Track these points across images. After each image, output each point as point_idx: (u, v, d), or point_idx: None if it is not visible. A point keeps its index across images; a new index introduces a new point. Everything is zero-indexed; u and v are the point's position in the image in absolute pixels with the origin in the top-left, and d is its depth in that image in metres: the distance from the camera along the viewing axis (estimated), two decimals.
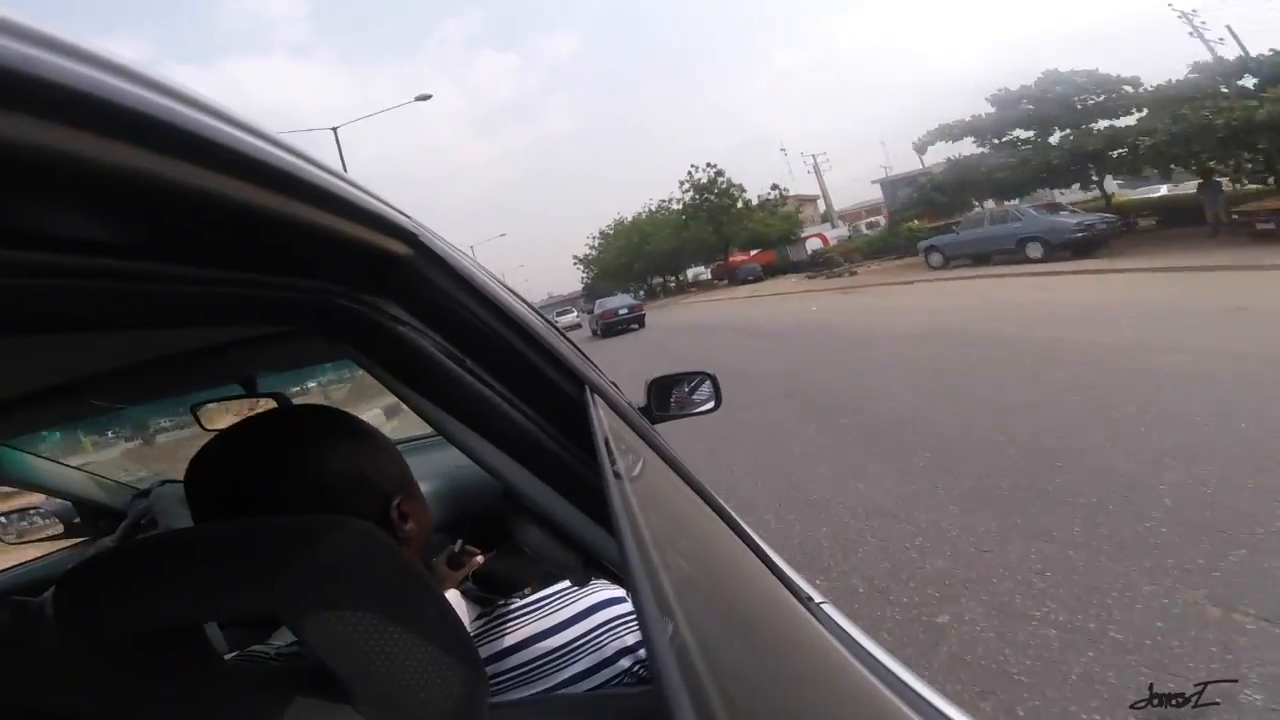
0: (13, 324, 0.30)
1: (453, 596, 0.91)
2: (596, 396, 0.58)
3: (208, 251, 0.32)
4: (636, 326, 21.57)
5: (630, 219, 47.64)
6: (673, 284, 48.51)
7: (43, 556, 1.91)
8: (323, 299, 0.42)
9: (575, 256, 56.16)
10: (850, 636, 0.77)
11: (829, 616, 0.80)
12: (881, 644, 0.76)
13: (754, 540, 0.79)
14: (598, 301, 26.35)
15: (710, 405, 1.79)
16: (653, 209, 44.56)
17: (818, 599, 0.85)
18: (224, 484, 0.56)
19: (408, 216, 0.45)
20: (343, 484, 0.59)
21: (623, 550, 0.26)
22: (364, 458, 0.62)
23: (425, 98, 18.64)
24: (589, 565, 0.68)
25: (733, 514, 0.77)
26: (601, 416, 0.51)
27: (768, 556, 0.80)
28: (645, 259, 44.02)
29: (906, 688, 0.68)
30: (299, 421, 0.62)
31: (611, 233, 49.63)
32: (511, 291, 0.66)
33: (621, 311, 22.32)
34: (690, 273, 47.73)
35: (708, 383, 1.79)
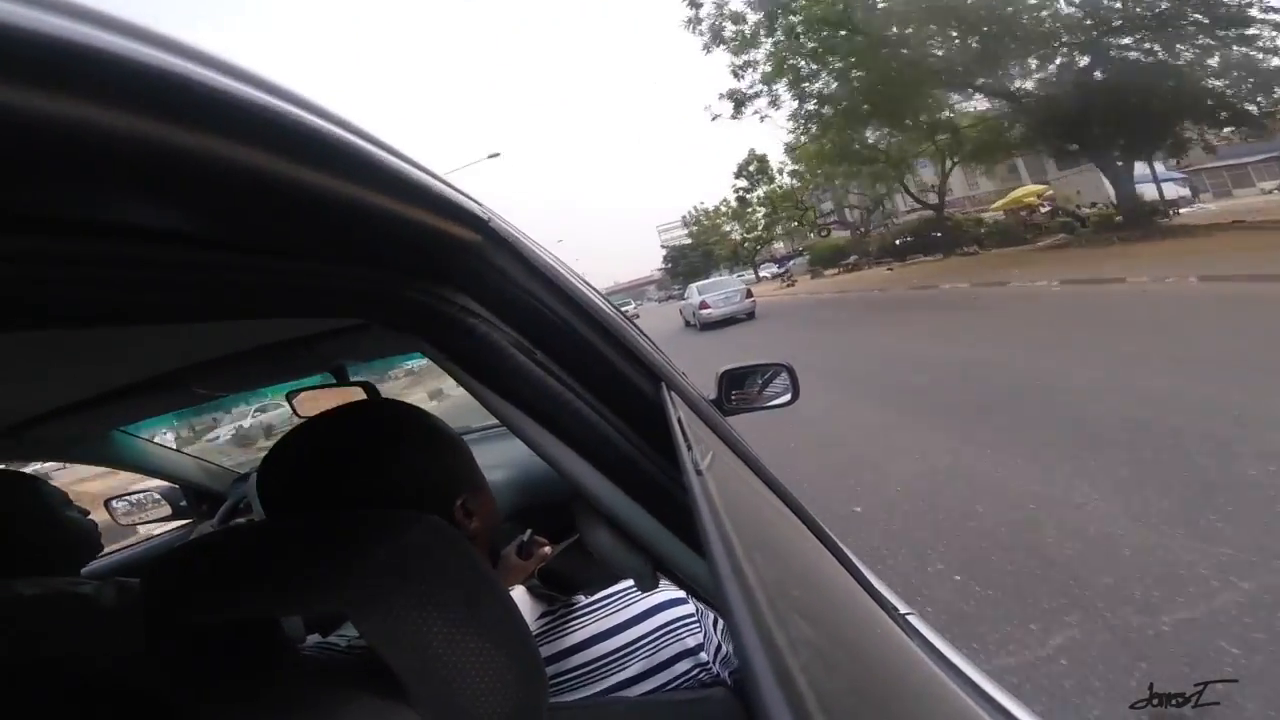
0: (115, 314, 0.31)
1: (518, 594, 0.91)
2: (673, 394, 0.55)
3: (279, 242, 0.32)
4: None
5: None
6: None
7: (152, 537, 2.07)
8: (391, 290, 0.42)
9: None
10: (939, 651, 0.73)
11: (916, 629, 0.76)
12: (971, 660, 0.72)
13: (837, 545, 0.75)
14: None
15: (786, 399, 1.69)
16: None
17: (903, 609, 0.80)
18: (293, 482, 0.57)
19: (477, 202, 0.44)
20: (408, 483, 0.59)
21: (709, 552, 0.25)
22: (431, 455, 0.62)
23: (495, 155, 16.83)
24: (657, 571, 0.65)
25: (814, 516, 0.73)
26: (680, 416, 0.48)
27: (852, 563, 0.75)
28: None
29: (996, 706, 0.64)
30: (370, 419, 0.62)
31: None
32: (584, 282, 0.64)
33: None
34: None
35: (784, 374, 1.69)
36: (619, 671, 0.78)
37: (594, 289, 0.69)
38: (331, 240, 0.34)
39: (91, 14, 0.18)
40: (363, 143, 0.30)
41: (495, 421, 0.54)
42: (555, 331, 0.50)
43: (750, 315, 16.05)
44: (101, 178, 0.20)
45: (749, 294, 16.30)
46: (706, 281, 19.62)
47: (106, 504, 2.08)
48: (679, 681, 0.78)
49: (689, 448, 0.39)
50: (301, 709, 0.46)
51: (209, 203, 0.25)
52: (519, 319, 0.49)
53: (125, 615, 0.80)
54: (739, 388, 1.69)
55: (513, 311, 0.49)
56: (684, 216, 43.52)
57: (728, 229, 37.61)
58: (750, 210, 33.58)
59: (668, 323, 21.43)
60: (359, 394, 1.61)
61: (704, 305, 16.30)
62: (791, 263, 32.99)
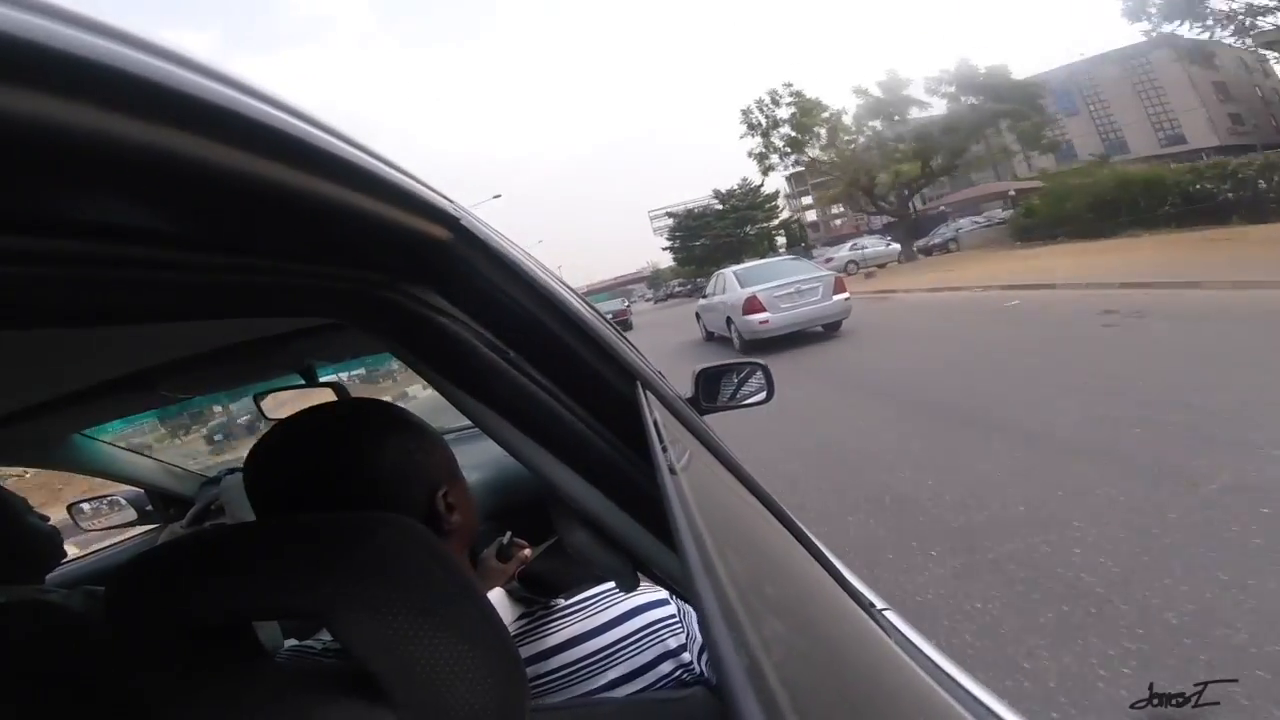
0: (78, 315, 0.31)
1: (496, 596, 0.90)
2: (648, 392, 0.55)
3: (248, 240, 0.31)
4: None
5: None
6: None
7: (117, 543, 2.02)
8: (362, 289, 0.41)
9: None
10: (914, 645, 0.74)
11: (892, 624, 0.77)
12: (946, 653, 0.74)
13: (812, 542, 0.75)
14: None
15: (761, 397, 1.72)
16: None
17: (880, 605, 0.81)
18: (279, 478, 0.57)
19: (449, 199, 0.43)
20: (393, 476, 0.59)
21: (681, 550, 0.24)
22: (413, 449, 0.63)
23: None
24: (637, 570, 0.66)
25: (789, 513, 0.74)
26: (655, 415, 0.48)
27: (827, 560, 0.76)
28: None
29: (973, 699, 0.65)
30: (350, 415, 0.62)
31: None
32: (559, 280, 0.64)
33: None
34: None
35: (759, 373, 1.72)
36: (602, 673, 0.78)
37: (570, 288, 0.69)
38: (301, 238, 0.34)
39: (60, 12, 0.18)
40: (330, 138, 0.29)
41: (468, 423, 0.53)
42: (529, 330, 0.50)
43: (836, 326, 9.26)
44: (68, 175, 0.19)
45: (839, 285, 9.07)
46: (752, 265, 10.90)
47: (70, 508, 2.03)
48: (662, 683, 0.78)
49: (664, 448, 0.39)
50: (277, 713, 0.45)
51: (177, 200, 0.24)
52: (492, 318, 0.48)
53: (94, 623, 0.78)
54: (715, 386, 1.70)
55: (485, 310, 0.48)
56: (745, 110, 26.57)
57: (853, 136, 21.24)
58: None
59: (679, 334, 13.92)
60: (328, 395, 1.59)
61: (753, 306, 8.87)
62: (959, 227, 19.64)
